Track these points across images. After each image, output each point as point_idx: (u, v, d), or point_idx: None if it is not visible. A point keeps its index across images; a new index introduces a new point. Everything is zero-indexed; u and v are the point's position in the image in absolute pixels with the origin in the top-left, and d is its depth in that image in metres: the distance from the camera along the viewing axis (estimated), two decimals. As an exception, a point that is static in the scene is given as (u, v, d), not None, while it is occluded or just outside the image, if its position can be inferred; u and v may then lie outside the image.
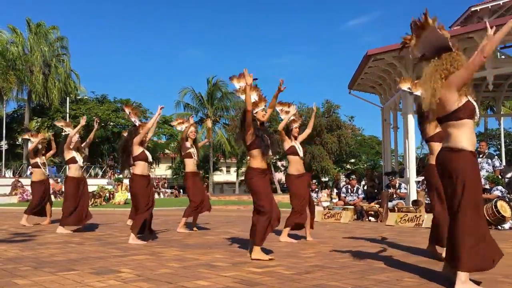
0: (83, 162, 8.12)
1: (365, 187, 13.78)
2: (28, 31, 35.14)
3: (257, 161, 5.07)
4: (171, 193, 33.78)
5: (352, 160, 49.59)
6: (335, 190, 14.75)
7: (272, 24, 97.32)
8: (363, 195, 12.17)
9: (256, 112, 5.23)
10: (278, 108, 6.59)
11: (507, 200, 8.67)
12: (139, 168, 6.57)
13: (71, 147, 8.00)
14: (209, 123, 9.64)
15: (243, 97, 5.22)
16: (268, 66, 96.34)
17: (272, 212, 4.98)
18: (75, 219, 7.86)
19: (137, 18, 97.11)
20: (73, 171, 7.99)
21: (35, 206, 9.34)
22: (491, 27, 3.41)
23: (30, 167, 10.28)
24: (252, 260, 4.80)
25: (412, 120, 14.73)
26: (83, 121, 8.05)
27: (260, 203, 4.96)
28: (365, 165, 49.15)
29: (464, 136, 3.36)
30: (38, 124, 38.00)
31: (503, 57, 14.89)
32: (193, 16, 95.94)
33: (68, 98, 34.46)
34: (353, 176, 12.71)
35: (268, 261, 4.75)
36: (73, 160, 8.00)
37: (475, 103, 3.42)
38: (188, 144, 8.22)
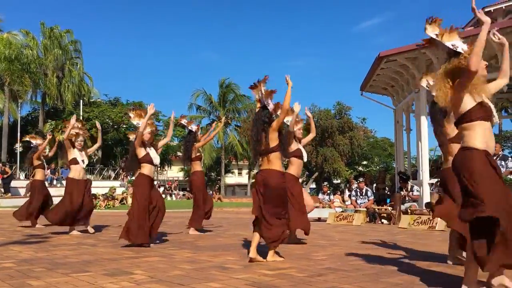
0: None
1: (379, 189, 13.68)
2: (42, 35, 35.60)
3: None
4: (183, 195, 33.89)
5: (365, 162, 49.33)
6: (347, 192, 14.68)
7: (284, 27, 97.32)
8: (373, 197, 12.10)
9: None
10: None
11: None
12: (146, 169, 6.41)
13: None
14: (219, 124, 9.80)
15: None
16: (281, 68, 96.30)
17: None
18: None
19: (151, 21, 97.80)
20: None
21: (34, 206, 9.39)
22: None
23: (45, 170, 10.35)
24: (268, 261, 4.82)
25: (425, 122, 14.62)
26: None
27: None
28: (378, 167, 48.85)
29: (476, 135, 3.21)
30: (52, 126, 38.42)
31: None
32: (207, 18, 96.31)
33: (81, 100, 34.81)
34: (361, 179, 12.65)
35: (281, 262, 4.75)
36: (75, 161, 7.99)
37: (490, 104, 3.26)
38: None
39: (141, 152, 6.38)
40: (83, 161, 8.02)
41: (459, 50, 3.46)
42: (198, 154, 8.29)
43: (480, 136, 3.20)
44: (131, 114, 6.70)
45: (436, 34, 3.53)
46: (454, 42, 3.50)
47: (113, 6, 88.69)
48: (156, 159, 6.49)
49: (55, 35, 35.50)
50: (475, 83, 3.26)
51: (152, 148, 6.51)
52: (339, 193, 17.26)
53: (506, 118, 26.05)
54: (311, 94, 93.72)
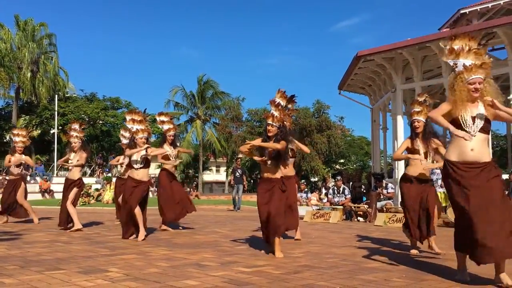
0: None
1: (355, 188, 13.82)
2: (16, 28, 34.78)
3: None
4: (160, 192, 33.59)
5: (342, 161, 49.72)
6: (324, 190, 14.78)
7: (263, 25, 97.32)
8: (350, 195, 12.23)
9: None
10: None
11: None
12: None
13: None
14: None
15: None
16: (260, 66, 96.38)
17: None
18: None
19: (129, 16, 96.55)
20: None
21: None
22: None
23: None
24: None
25: (401, 121, 14.84)
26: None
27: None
28: (355, 165, 49.34)
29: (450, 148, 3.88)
30: (26, 121, 37.58)
31: (491, 59, 15.02)
32: (186, 14, 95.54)
33: (56, 95, 34.16)
34: (339, 177, 12.76)
35: (257, 259, 4.76)
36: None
37: (464, 119, 3.71)
38: (166, 147, 8.15)
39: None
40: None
41: (457, 69, 3.84)
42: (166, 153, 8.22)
43: (453, 147, 3.82)
44: (128, 117, 7.00)
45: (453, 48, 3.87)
46: (460, 60, 3.82)
47: (90, 0, 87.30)
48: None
49: (29, 28, 34.74)
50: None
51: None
52: (317, 191, 17.38)
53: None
54: (289, 92, 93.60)
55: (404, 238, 7.17)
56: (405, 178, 5.69)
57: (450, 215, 9.57)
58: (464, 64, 3.76)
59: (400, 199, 12.36)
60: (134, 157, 6.72)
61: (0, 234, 7.17)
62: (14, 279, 3.70)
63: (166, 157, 8.13)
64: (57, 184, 25.70)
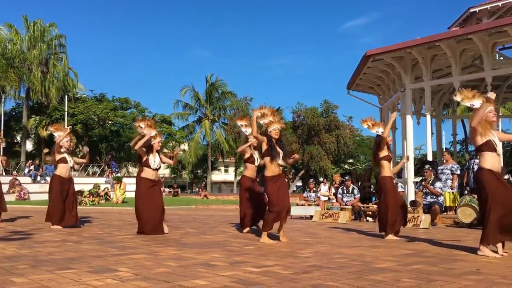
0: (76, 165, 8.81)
1: (364, 188, 13.76)
2: (25, 29, 35.08)
3: (269, 168, 6.29)
4: (169, 192, 33.76)
5: (351, 161, 49.57)
6: (333, 190, 14.75)
7: (271, 25, 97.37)
8: (359, 195, 12.19)
9: (270, 131, 6.37)
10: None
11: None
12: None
13: (61, 150, 8.46)
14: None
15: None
16: (269, 67, 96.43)
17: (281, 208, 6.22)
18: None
19: (139, 16, 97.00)
20: (60, 170, 8.41)
21: None
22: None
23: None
24: (261, 243, 6.14)
25: (410, 121, 14.76)
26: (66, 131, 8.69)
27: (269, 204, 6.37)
28: (363, 165, 49.14)
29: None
30: (36, 122, 37.92)
31: (501, 58, 14.91)
32: (197, 15, 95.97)
33: (66, 96, 34.40)
34: (347, 177, 12.73)
35: (266, 259, 4.77)
36: (63, 160, 8.41)
37: (495, 140, 5.31)
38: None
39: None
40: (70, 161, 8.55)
41: (474, 107, 5.42)
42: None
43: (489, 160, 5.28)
44: (142, 125, 7.47)
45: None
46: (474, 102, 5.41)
47: (99, 1, 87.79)
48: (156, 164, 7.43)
49: (39, 29, 35.01)
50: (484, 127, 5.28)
51: (157, 154, 7.47)
52: (325, 180, 17.41)
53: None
54: (297, 92, 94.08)
55: (413, 238, 7.15)
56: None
57: (461, 215, 9.51)
58: None
59: (410, 199, 12.31)
60: (152, 160, 7.33)
61: (11, 234, 7.24)
62: (25, 278, 3.73)
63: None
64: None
